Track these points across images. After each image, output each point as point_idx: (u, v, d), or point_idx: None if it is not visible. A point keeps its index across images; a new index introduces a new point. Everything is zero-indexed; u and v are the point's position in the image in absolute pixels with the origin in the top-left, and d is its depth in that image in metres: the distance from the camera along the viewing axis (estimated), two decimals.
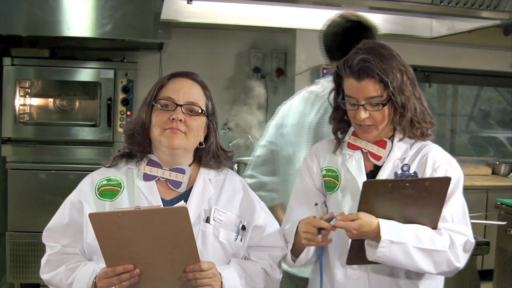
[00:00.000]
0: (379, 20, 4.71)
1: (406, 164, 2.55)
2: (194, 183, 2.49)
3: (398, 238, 2.33)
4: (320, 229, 2.38)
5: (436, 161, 2.56)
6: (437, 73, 7.35)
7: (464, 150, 8.11)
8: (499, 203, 5.13)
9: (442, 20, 4.67)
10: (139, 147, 2.47)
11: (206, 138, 2.52)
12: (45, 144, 5.79)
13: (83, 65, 5.82)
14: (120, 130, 5.86)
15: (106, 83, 5.80)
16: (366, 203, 2.34)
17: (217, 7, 4.44)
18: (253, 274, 2.50)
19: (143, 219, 2.09)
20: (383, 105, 2.49)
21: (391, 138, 2.64)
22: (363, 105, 2.50)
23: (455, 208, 2.46)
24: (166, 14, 4.40)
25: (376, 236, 2.33)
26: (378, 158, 2.62)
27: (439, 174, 2.52)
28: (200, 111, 2.43)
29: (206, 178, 2.52)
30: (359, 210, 2.35)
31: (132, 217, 2.09)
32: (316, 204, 2.64)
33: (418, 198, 2.34)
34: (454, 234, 2.42)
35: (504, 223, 4.94)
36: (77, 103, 6.05)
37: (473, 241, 2.47)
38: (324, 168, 2.72)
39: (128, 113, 5.88)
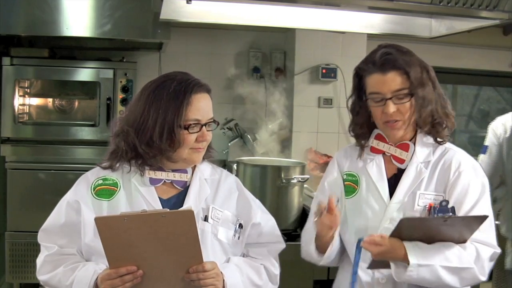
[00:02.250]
0: (378, 20, 4.72)
1: (445, 200, 2.53)
2: (190, 182, 2.52)
3: (426, 261, 2.36)
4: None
5: (461, 165, 2.58)
6: (437, 73, 7.19)
7: (463, 150, 8.08)
8: None
9: (441, 20, 4.67)
10: (148, 157, 2.46)
11: None
12: (44, 144, 5.77)
13: (82, 65, 5.80)
14: None
15: (105, 83, 5.78)
16: (397, 233, 2.37)
17: (216, 7, 4.43)
18: (253, 270, 2.53)
19: (149, 222, 2.11)
20: (411, 95, 2.51)
21: (413, 140, 2.64)
22: (390, 99, 2.50)
23: (488, 226, 2.46)
24: (165, 14, 4.40)
25: (403, 259, 2.36)
26: (402, 161, 2.64)
27: (463, 179, 2.54)
28: (216, 125, 2.51)
29: (202, 177, 2.57)
30: (391, 235, 2.38)
31: (138, 221, 2.11)
32: (338, 201, 2.62)
33: (450, 230, 2.38)
34: (480, 246, 2.44)
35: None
36: (76, 103, 6.04)
37: (499, 250, 2.50)
38: (345, 173, 2.74)
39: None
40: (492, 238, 2.51)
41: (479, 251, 2.43)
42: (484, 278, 2.45)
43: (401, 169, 2.65)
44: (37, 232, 2.58)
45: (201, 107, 2.44)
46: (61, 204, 2.54)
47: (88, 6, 5.34)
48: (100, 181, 2.50)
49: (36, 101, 5.99)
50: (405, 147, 2.63)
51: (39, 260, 2.52)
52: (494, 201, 4.04)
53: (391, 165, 2.68)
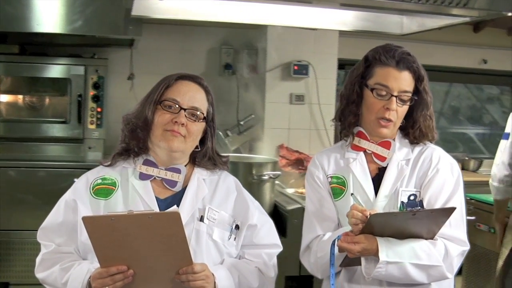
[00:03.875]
0: (349, 17, 4.74)
1: (413, 194, 2.58)
2: (189, 182, 2.53)
3: (395, 258, 2.38)
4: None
5: (439, 162, 2.62)
6: None
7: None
8: (468, 198, 5.18)
9: (412, 17, 4.70)
10: (138, 142, 2.51)
11: (202, 142, 2.56)
12: (15, 141, 5.73)
13: (53, 62, 5.77)
14: (91, 126, 5.84)
15: (76, 79, 5.75)
16: (368, 229, 2.38)
17: (188, 3, 4.43)
18: (247, 273, 2.52)
19: (136, 223, 2.11)
20: (411, 101, 2.57)
21: (393, 139, 2.66)
22: (396, 96, 2.54)
23: (455, 212, 2.46)
24: (137, 10, 4.38)
25: (375, 254, 2.38)
26: (383, 159, 2.66)
27: (439, 177, 2.58)
28: (202, 117, 2.48)
29: (200, 177, 2.57)
30: (362, 232, 2.38)
31: (125, 221, 2.11)
32: (352, 194, 2.64)
33: (420, 223, 2.39)
34: (450, 244, 2.47)
35: (473, 218, 4.99)
36: (47, 100, 5.99)
37: (467, 247, 2.53)
38: (331, 176, 2.73)
39: (99, 109, 5.86)
40: (463, 235, 2.54)
41: (448, 248, 2.46)
42: (451, 275, 2.48)
43: (382, 168, 2.67)
44: (7, 230, 2.58)
45: (182, 90, 2.48)
46: (60, 203, 2.56)
47: (59, 2, 5.29)
48: (99, 181, 2.52)
49: (6, 98, 5.93)
50: (386, 145, 2.66)
51: (38, 258, 2.53)
52: None
53: (372, 164, 2.70)
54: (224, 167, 2.65)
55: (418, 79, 2.60)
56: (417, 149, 2.68)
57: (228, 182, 2.64)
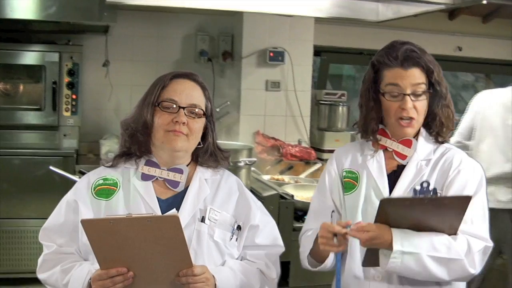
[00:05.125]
0: (325, 4, 4.74)
1: (426, 181, 2.54)
2: (190, 182, 2.52)
3: (411, 248, 2.31)
4: (335, 235, 2.37)
5: (461, 163, 2.55)
6: None
7: None
8: None
9: (388, 4, 4.70)
10: (140, 146, 2.49)
11: (203, 137, 2.55)
12: None
13: (27, 48, 5.74)
14: (66, 114, 5.82)
15: (51, 66, 5.73)
16: (382, 217, 2.34)
17: None
18: (248, 274, 2.50)
19: (135, 226, 2.11)
20: (429, 93, 2.54)
21: (416, 137, 2.64)
22: (408, 95, 2.52)
23: (476, 209, 2.44)
24: None
25: (389, 246, 2.32)
26: (404, 157, 2.62)
27: (461, 177, 2.52)
28: (202, 113, 2.47)
29: (202, 178, 2.55)
30: (375, 222, 2.35)
31: (123, 224, 2.11)
32: (333, 211, 2.65)
33: (436, 214, 2.33)
34: (472, 239, 2.39)
35: None
36: (21, 87, 5.94)
37: (491, 244, 2.45)
38: (345, 170, 2.71)
39: (74, 96, 5.83)
40: (485, 232, 2.47)
41: (470, 243, 2.38)
42: (474, 271, 2.38)
43: (401, 166, 2.64)
44: None
45: (179, 89, 2.45)
46: (61, 204, 2.53)
47: None
48: (101, 181, 2.50)
49: None
50: (407, 143, 2.62)
51: (39, 259, 2.52)
52: None
53: (391, 161, 2.65)
54: (225, 162, 2.64)
55: (428, 72, 2.57)
56: (440, 150, 2.61)
57: (230, 182, 2.63)
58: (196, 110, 2.46)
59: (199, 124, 2.47)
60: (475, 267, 2.37)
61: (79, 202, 2.44)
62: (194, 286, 2.22)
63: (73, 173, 4.85)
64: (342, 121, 6.58)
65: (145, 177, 2.48)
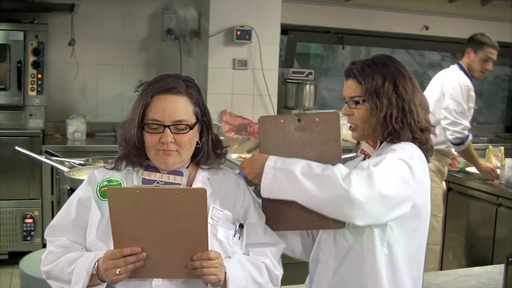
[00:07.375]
0: None
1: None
2: (193, 183, 2.51)
3: (284, 165, 2.41)
4: None
5: (392, 145, 2.56)
6: (351, 35, 7.39)
7: None
8: None
9: None
10: (137, 158, 2.47)
11: (201, 137, 2.53)
12: None
13: None
14: (32, 93, 5.79)
15: (15, 45, 5.67)
16: (264, 140, 2.48)
17: None
18: (255, 267, 2.49)
19: (160, 198, 2.12)
20: (357, 103, 2.59)
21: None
22: (346, 102, 2.63)
23: (376, 160, 2.44)
24: None
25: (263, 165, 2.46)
26: (369, 157, 2.68)
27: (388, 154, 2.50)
28: (190, 126, 2.42)
29: (205, 177, 2.54)
30: (260, 150, 2.48)
31: (149, 195, 2.12)
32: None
33: (313, 138, 2.45)
34: (355, 169, 2.40)
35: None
36: None
37: (378, 174, 2.37)
38: None
39: (39, 76, 5.78)
40: (380, 171, 2.41)
41: (352, 170, 2.40)
42: (349, 189, 2.31)
43: None
44: None
45: (161, 107, 2.39)
46: (71, 201, 2.51)
47: None
48: (105, 183, 2.49)
49: None
50: (374, 145, 2.69)
51: (43, 254, 2.49)
52: None
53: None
54: (221, 159, 2.63)
55: (361, 84, 2.62)
56: (387, 145, 2.65)
57: (231, 180, 2.62)
58: (183, 126, 2.41)
59: (188, 136, 2.43)
60: (351, 185, 2.31)
61: (92, 199, 2.45)
62: (208, 271, 2.22)
63: (40, 153, 4.83)
64: (309, 100, 6.62)
65: (146, 182, 2.47)
